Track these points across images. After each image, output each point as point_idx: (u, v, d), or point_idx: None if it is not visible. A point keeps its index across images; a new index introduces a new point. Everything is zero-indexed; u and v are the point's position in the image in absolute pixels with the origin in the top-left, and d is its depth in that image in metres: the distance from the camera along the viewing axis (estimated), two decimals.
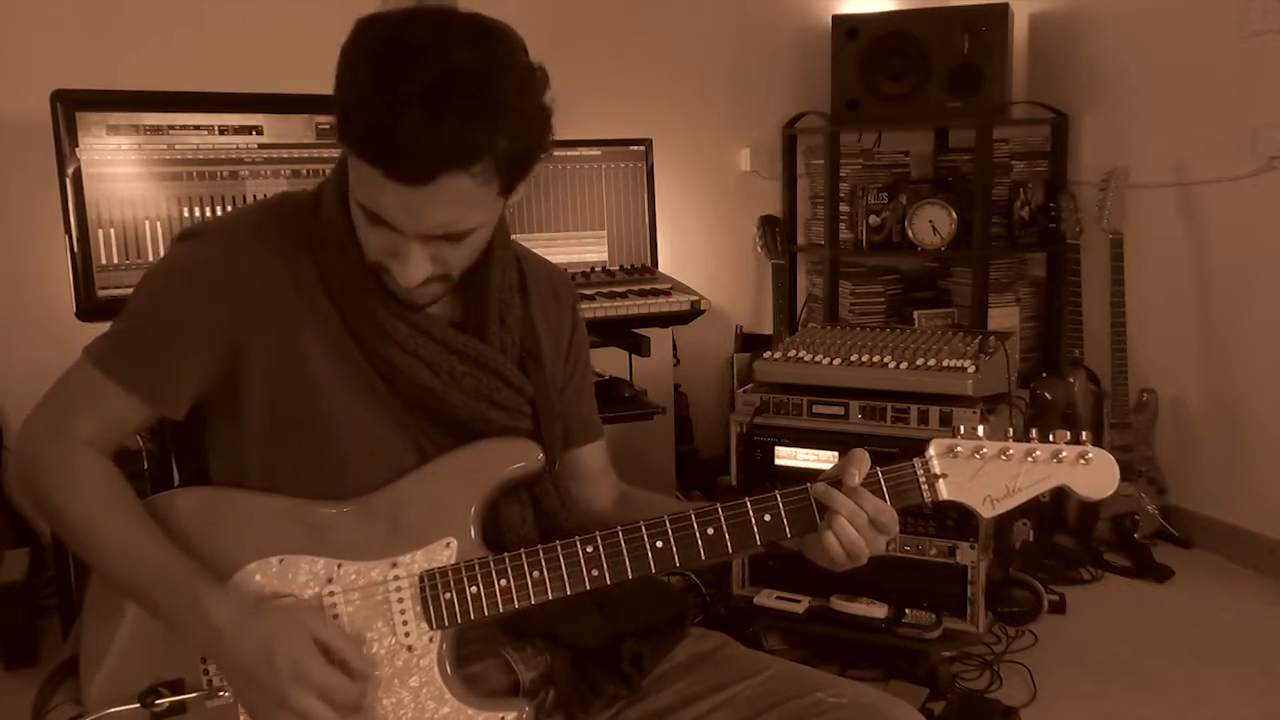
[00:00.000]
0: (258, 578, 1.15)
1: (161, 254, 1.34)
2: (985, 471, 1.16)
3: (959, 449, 1.16)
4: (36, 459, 1.17)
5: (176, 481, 1.36)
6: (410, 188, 1.04)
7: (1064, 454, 1.17)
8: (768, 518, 1.16)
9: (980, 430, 1.17)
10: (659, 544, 1.16)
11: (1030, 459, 1.16)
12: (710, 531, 1.16)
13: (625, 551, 1.16)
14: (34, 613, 2.62)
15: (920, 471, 1.16)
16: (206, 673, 1.14)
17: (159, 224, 2.46)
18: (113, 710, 1.13)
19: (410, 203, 1.06)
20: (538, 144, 1.09)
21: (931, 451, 1.17)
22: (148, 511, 1.17)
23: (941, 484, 1.16)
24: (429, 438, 1.22)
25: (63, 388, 1.20)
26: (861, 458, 1.16)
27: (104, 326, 1.22)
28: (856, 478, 1.14)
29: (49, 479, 1.16)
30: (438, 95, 1.00)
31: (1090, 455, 1.17)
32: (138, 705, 1.12)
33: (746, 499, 1.17)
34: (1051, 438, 1.18)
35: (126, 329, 1.19)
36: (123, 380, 1.17)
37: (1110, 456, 1.17)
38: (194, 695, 1.13)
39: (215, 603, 1.10)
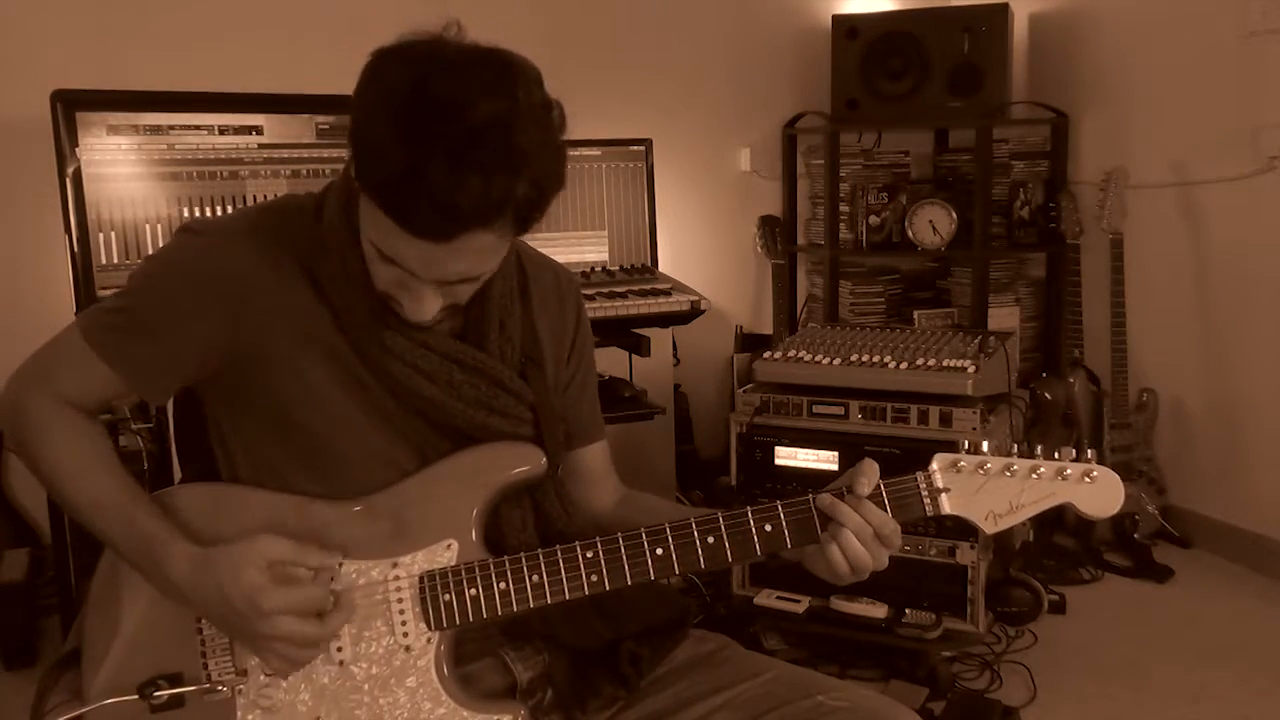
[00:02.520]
0: None
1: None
2: (989, 487, 1.15)
3: (963, 464, 1.15)
4: (19, 405, 1.19)
5: (178, 479, 1.37)
6: (430, 243, 1.03)
7: (1069, 471, 1.15)
8: (769, 528, 1.16)
9: (985, 446, 1.16)
10: (659, 551, 1.16)
11: (1035, 475, 1.15)
12: (711, 540, 1.16)
13: (625, 557, 1.16)
14: (34, 613, 2.62)
15: (923, 485, 1.16)
16: (206, 667, 1.15)
17: (159, 224, 2.46)
18: (111, 700, 1.14)
19: (429, 255, 1.05)
20: (555, 186, 1.08)
21: (935, 465, 1.16)
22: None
23: (944, 498, 1.15)
24: (430, 444, 1.22)
25: (51, 350, 1.22)
26: (871, 468, 1.15)
27: None
28: (866, 488, 1.14)
29: (28, 427, 1.18)
30: (460, 153, 0.98)
31: (1095, 473, 1.15)
32: (136, 696, 1.13)
33: (748, 508, 1.16)
34: (1057, 455, 1.16)
35: (119, 308, 1.20)
36: (107, 359, 1.18)
37: (1115, 475, 1.16)
38: (192, 689, 1.14)
39: (170, 562, 1.12)
